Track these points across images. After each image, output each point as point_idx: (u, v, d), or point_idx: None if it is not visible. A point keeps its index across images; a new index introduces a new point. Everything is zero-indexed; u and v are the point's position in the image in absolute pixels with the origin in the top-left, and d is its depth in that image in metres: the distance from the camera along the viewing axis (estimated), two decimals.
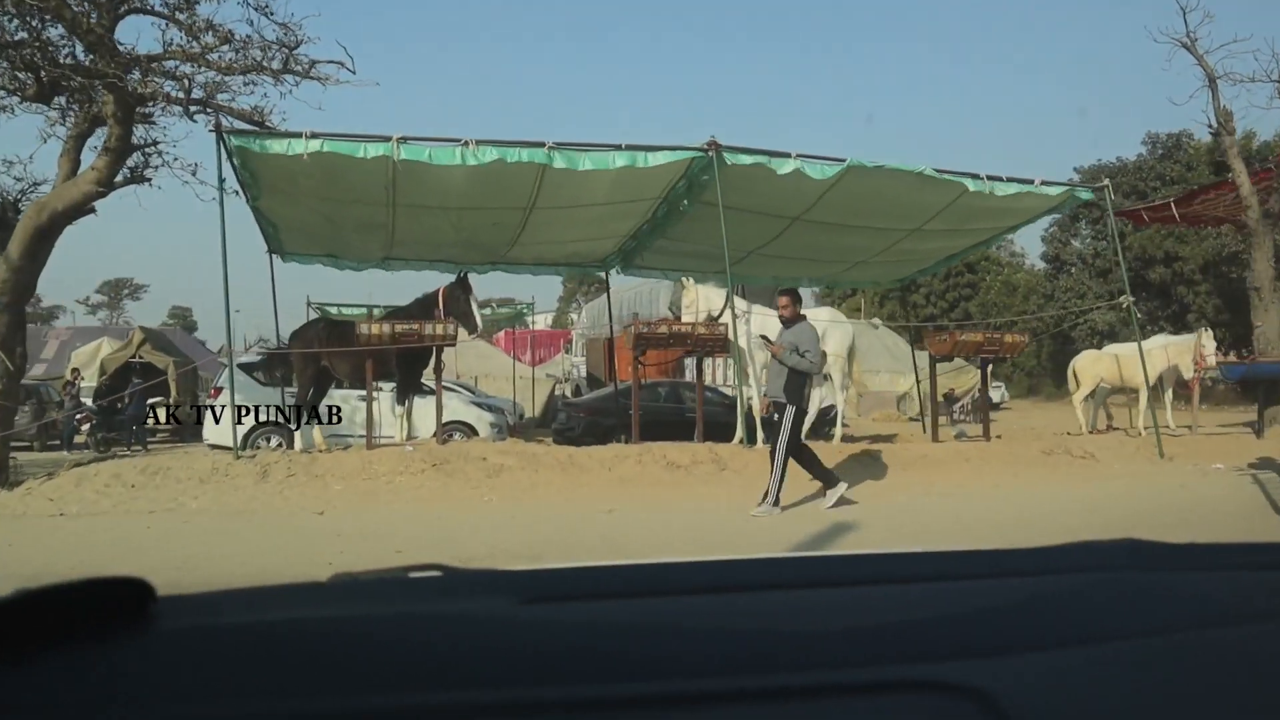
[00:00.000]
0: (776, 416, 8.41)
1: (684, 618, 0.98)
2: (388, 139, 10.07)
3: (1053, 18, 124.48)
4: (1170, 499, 9.17)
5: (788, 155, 11.04)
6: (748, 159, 11.03)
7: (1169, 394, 15.53)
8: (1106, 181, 12.47)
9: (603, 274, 16.95)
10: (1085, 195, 12.52)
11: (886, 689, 0.82)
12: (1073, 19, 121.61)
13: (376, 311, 17.04)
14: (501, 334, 33.39)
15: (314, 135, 9.95)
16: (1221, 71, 15.24)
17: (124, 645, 0.83)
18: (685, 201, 12.15)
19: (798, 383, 8.32)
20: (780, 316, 8.79)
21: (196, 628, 0.91)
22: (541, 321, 54.76)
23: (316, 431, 11.87)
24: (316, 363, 11.88)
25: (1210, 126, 15.38)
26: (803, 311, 9.08)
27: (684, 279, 12.51)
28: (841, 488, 8.44)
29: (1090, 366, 15.21)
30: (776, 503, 8.15)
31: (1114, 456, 11.78)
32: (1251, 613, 1.04)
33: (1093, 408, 15.72)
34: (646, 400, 15.25)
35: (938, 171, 11.43)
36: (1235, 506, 8.68)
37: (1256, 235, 15.12)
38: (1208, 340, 14.93)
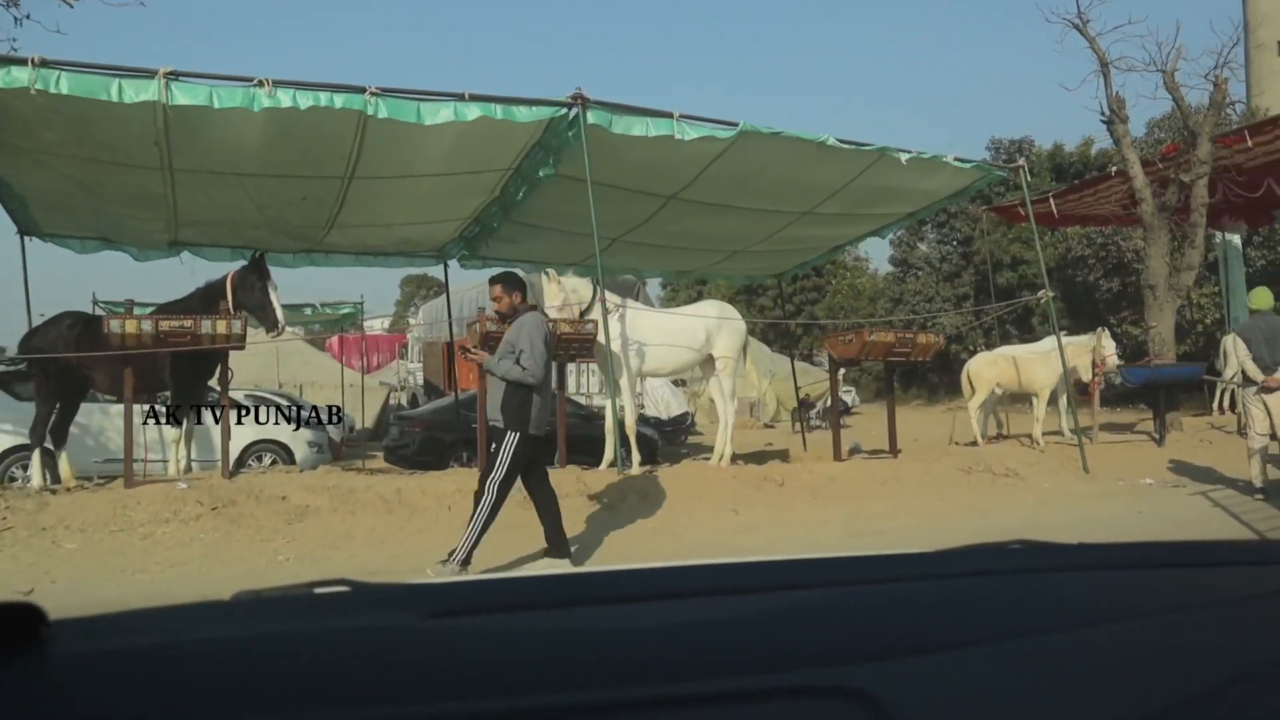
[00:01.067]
0: (494, 445, 6.19)
1: (584, 629, 0.98)
2: (153, 73, 7.53)
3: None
4: (1137, 525, 7.71)
5: (669, 115, 9.07)
6: (623, 121, 9.00)
7: (1063, 400, 14.39)
8: (1022, 161, 11.02)
9: (441, 266, 14.52)
10: (999, 174, 11.07)
11: (773, 695, 0.82)
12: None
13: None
14: (336, 339, 30.28)
15: (46, 63, 7.33)
16: (1114, 56, 14.21)
17: (15, 671, 0.80)
18: (542, 172, 10.02)
19: (517, 400, 6.09)
20: (496, 311, 6.63)
21: (92, 651, 0.88)
22: (378, 327, 51.56)
23: (63, 461, 9.11)
24: (62, 372, 9.12)
25: (1102, 114, 14.35)
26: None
27: (547, 271, 10.35)
28: (560, 564, 6.19)
29: (986, 370, 13.86)
30: (466, 561, 5.89)
31: (1038, 473, 10.33)
32: (1130, 610, 1.05)
33: (984, 415, 14.43)
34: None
35: (842, 142, 9.69)
36: (1211, 533, 7.23)
37: (1152, 230, 14.14)
38: (1107, 341, 13.83)
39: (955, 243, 45.08)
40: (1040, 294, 11.90)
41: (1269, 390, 9.16)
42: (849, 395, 37.36)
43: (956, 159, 10.43)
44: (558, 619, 1.03)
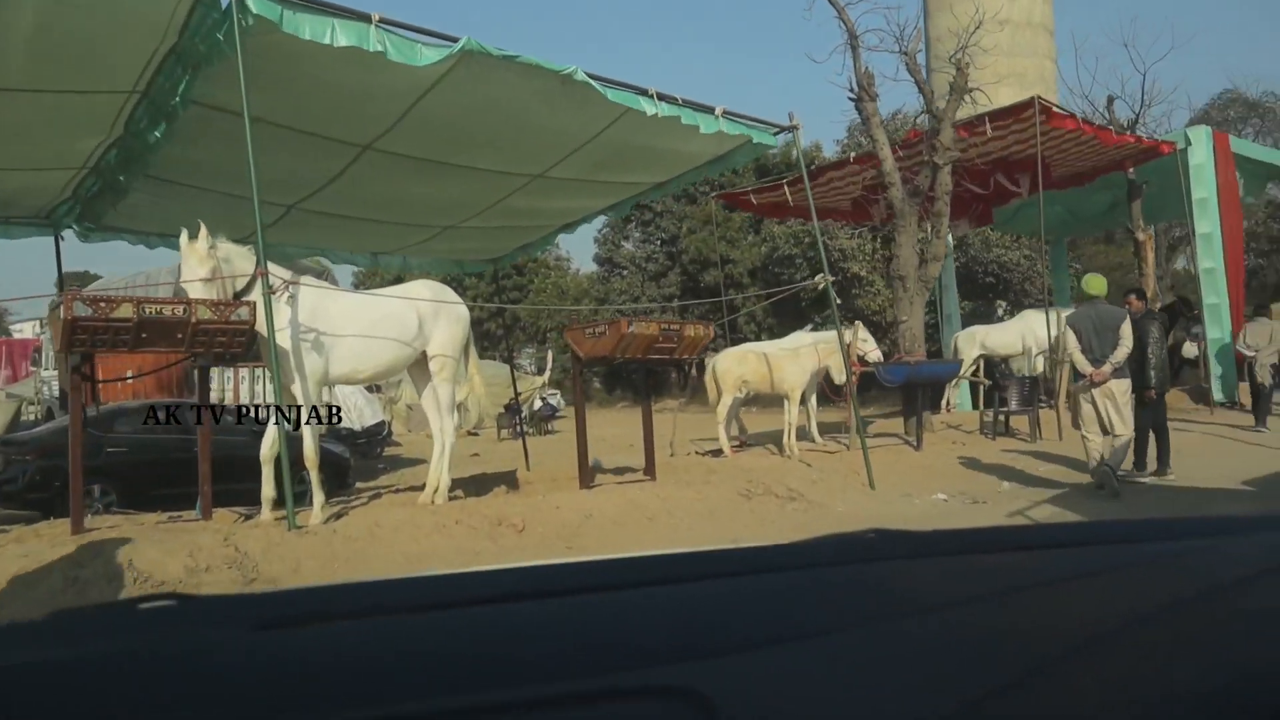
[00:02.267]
0: None
1: (407, 636, 0.94)
2: None
3: None
4: None
5: (367, 18, 6.47)
6: (298, 20, 6.28)
7: (813, 400, 13.08)
8: (798, 122, 9.34)
9: (53, 238, 10.78)
10: (769, 141, 9.29)
11: (602, 698, 0.80)
12: None
13: None
14: None
15: None
16: (863, 29, 13.09)
17: None
18: (178, 99, 7.08)
19: None
20: None
21: None
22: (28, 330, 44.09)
23: None
24: None
25: (850, 90, 13.17)
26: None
27: (192, 232, 7.28)
28: None
29: (735, 368, 12.24)
30: None
31: (825, 493, 8.65)
32: (968, 595, 1.03)
33: (730, 420, 12.87)
34: (131, 433, 9.84)
35: (594, 79, 7.50)
36: None
37: (902, 217, 13.14)
38: (865, 335, 12.64)
39: (660, 241, 44.61)
40: (818, 278, 10.32)
41: (1095, 384, 8.29)
42: (554, 398, 35.78)
43: (726, 113, 8.55)
44: (385, 627, 0.97)
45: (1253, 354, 13.83)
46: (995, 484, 9.39)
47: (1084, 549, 1.28)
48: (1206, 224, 17.29)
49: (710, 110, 8.44)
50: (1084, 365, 8.42)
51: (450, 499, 7.75)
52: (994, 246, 28.59)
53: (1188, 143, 17.06)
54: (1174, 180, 17.65)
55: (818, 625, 0.95)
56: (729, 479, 8.78)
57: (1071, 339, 8.57)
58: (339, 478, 10.96)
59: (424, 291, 8.15)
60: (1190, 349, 18.87)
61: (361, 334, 7.49)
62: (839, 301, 15.10)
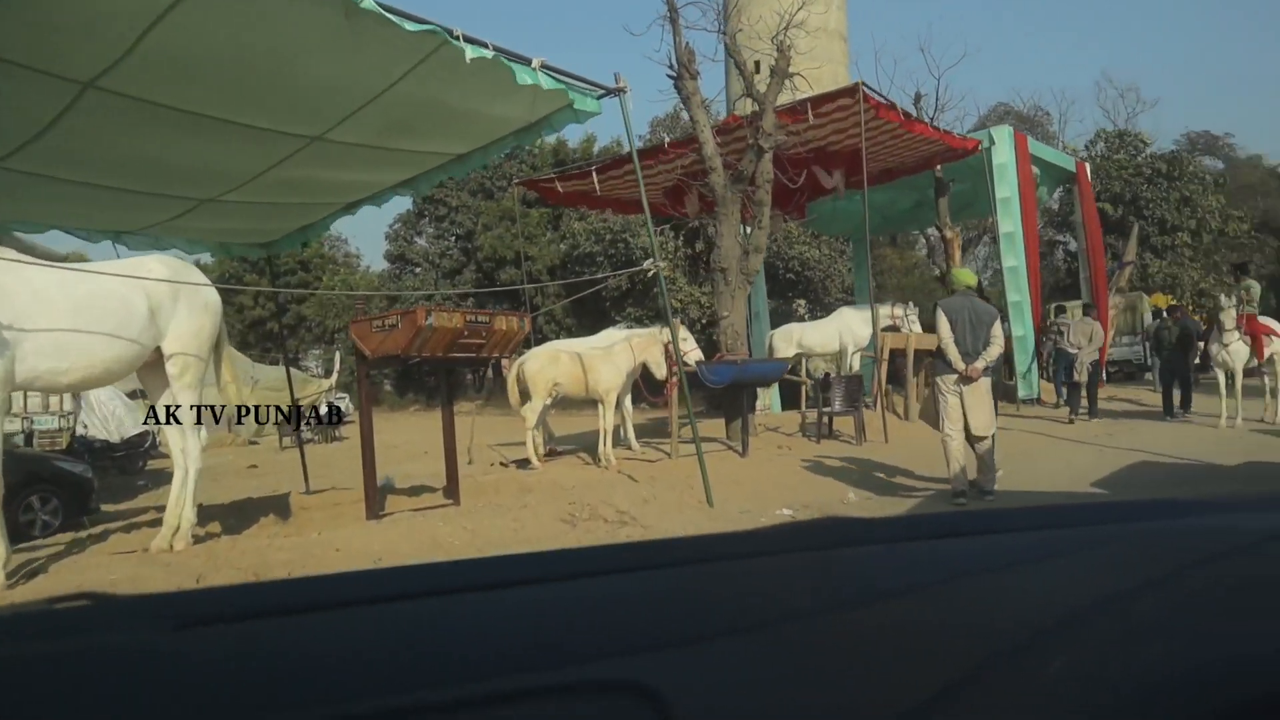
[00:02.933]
0: None
1: (339, 633, 0.91)
2: None
3: None
4: None
5: None
6: None
7: (628, 403, 11.96)
8: (625, 84, 8.07)
9: None
10: (591, 106, 7.96)
11: (547, 694, 0.77)
12: None
13: None
14: None
15: None
16: (683, 1, 12.02)
17: None
18: None
19: None
20: None
21: None
22: None
23: None
24: None
25: (670, 68, 12.11)
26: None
27: None
28: None
29: (546, 370, 10.91)
30: None
31: (659, 514, 7.42)
32: (918, 583, 1.01)
33: (541, 427, 11.57)
34: None
35: (387, 9, 5.97)
36: None
37: (724, 205, 12.19)
38: (684, 333, 11.60)
39: (455, 237, 42.70)
40: (648, 263, 9.13)
41: (969, 380, 7.62)
42: (342, 401, 33.31)
43: (545, 67, 7.19)
44: (310, 624, 0.93)
45: (1075, 351, 14.24)
46: (841, 493, 8.53)
47: (1033, 533, 1.25)
48: (1009, 223, 17.42)
49: (527, 61, 7.07)
50: (957, 359, 7.70)
51: (194, 541, 6.00)
52: (796, 243, 28.50)
53: (991, 142, 17.13)
54: (977, 179, 17.75)
55: (770, 615, 0.92)
56: (547, 500, 7.44)
57: (945, 327, 7.79)
58: (79, 501, 9.17)
59: (159, 270, 6.31)
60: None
61: (64, 324, 5.61)
62: (634, 309, 14.02)
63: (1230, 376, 12.46)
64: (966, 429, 7.70)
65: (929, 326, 16.81)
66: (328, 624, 0.93)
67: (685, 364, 10.92)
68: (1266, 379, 13.57)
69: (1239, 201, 33.67)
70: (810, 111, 12.93)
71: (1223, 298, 12.94)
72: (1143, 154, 30.72)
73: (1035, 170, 18.55)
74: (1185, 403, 14.29)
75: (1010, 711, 0.81)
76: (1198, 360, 14.74)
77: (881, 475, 9.41)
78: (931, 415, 7.96)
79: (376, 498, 6.92)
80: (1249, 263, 18.41)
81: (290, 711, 0.74)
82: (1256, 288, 13.20)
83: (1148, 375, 21.48)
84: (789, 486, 8.98)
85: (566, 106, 7.97)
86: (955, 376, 7.66)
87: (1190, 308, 26.65)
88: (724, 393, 11.93)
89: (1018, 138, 17.81)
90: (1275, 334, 13.15)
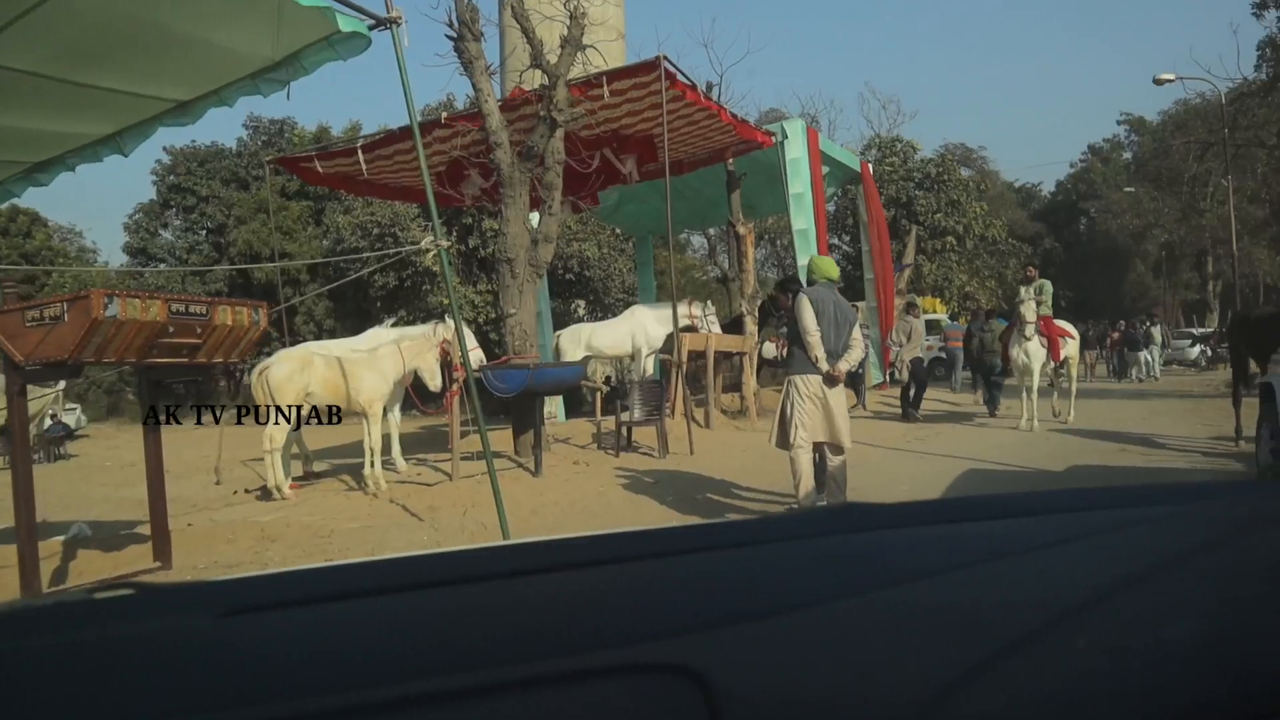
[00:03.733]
0: None
1: (390, 618, 0.91)
2: None
3: None
4: None
5: None
6: None
7: (396, 413, 10.21)
8: (399, 13, 6.28)
9: None
10: (357, 27, 6.15)
11: (593, 676, 0.79)
12: None
13: None
14: None
15: None
16: None
17: None
18: None
19: None
20: None
21: None
22: None
23: None
24: None
25: (450, 27, 10.43)
26: None
27: None
28: None
29: (296, 377, 9.00)
30: None
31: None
32: (950, 564, 1.02)
33: (289, 447, 9.68)
34: None
35: None
36: None
37: (511, 186, 10.64)
38: (465, 333, 10.02)
39: (206, 231, 38.86)
40: (427, 240, 7.46)
41: (834, 382, 6.59)
42: (71, 415, 29.21)
43: None
44: (361, 609, 0.92)
45: (897, 348, 14.54)
46: (663, 517, 7.22)
47: (1058, 516, 1.25)
48: (803, 219, 16.84)
49: None
50: (823, 357, 6.55)
51: None
52: (574, 240, 27.20)
53: (785, 135, 16.47)
54: (768, 174, 17.07)
55: (808, 597, 0.92)
56: (296, 554, 5.67)
57: (811, 318, 6.56)
58: None
59: None
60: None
61: None
62: (404, 310, 12.34)
63: (1030, 378, 12.20)
64: (829, 438, 6.62)
65: (731, 327, 16.03)
66: (371, 609, 0.92)
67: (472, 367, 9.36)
68: (1060, 380, 13.51)
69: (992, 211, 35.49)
70: (606, 87, 11.61)
71: (1023, 290, 12.64)
72: (913, 159, 31.63)
73: (825, 168, 18.15)
74: (991, 402, 14.64)
75: (1045, 685, 0.82)
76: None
77: (699, 493, 8.19)
78: (784, 428, 6.75)
79: (35, 568, 4.84)
80: (1034, 264, 18.69)
81: (339, 696, 0.74)
82: (1049, 287, 13.02)
83: (938, 373, 21.79)
84: (597, 512, 7.61)
85: (322, 41, 6.25)
86: (819, 378, 6.53)
87: (958, 311, 27.52)
88: (512, 401, 10.39)
89: (810, 133, 17.30)
90: (1070, 336, 13.07)
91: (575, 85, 11.35)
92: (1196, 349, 28.41)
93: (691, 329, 14.13)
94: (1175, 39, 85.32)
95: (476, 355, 10.04)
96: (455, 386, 9.48)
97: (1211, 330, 32.04)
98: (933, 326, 27.16)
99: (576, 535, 1.16)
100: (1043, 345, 12.20)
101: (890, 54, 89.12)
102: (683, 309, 14.32)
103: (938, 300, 28.13)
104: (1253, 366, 10.09)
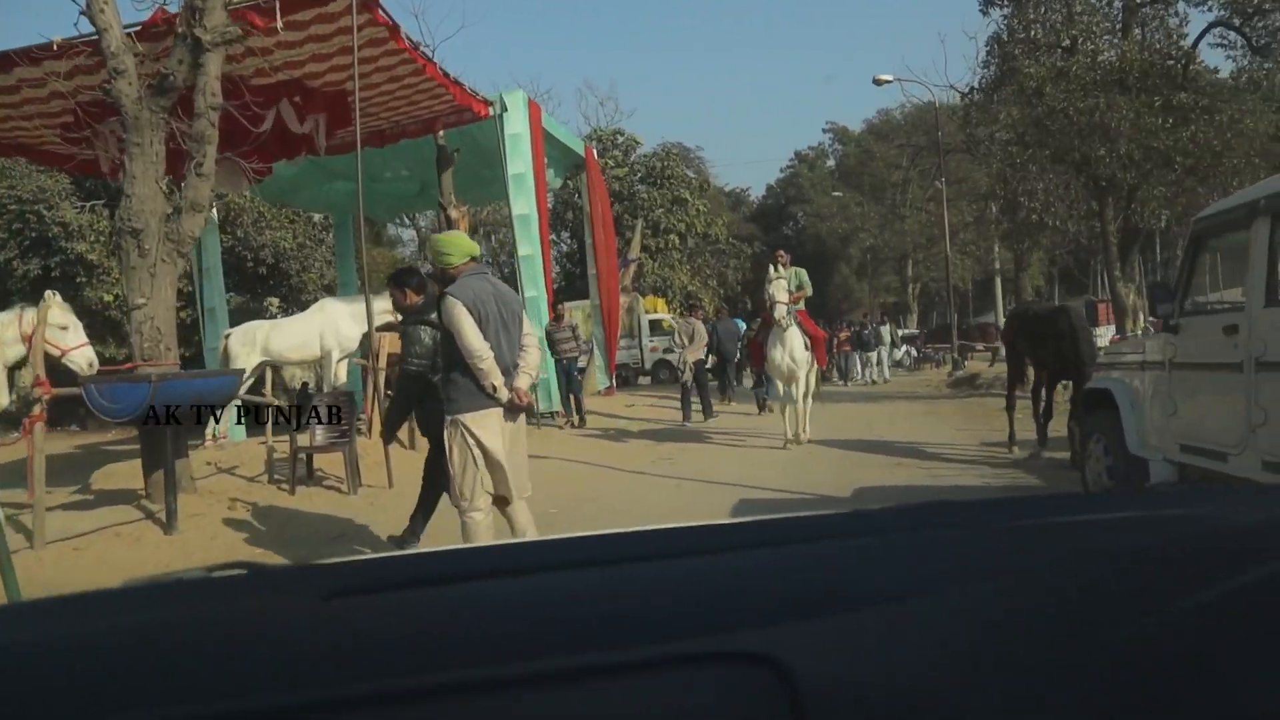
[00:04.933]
0: None
1: (481, 603, 0.94)
2: None
3: None
4: None
5: None
6: None
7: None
8: None
9: None
10: None
11: (676, 663, 0.79)
12: None
13: None
14: None
15: None
16: None
17: None
18: None
19: None
20: None
21: None
22: None
23: None
24: None
25: None
26: None
27: None
28: None
29: None
30: None
31: None
32: (1033, 562, 1.02)
33: None
34: None
35: None
36: None
37: (138, 130, 7.79)
38: (68, 322, 7.18)
39: None
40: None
41: (515, 411, 4.82)
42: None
43: None
44: (454, 594, 0.96)
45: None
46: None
47: (1134, 515, 1.25)
48: (524, 204, 14.80)
49: None
50: (500, 385, 4.58)
51: None
52: (268, 228, 23.68)
53: (504, 108, 14.35)
54: (483, 158, 14.94)
55: (890, 590, 0.92)
56: None
57: (472, 329, 4.56)
58: None
59: None
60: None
61: None
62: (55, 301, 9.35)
63: (795, 386, 10.69)
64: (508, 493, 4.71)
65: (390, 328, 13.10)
66: (470, 593, 0.95)
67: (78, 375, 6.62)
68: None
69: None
70: (280, 16, 9.00)
71: (772, 269, 10.80)
72: (635, 154, 30.60)
73: (547, 150, 16.24)
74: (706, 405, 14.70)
75: (1123, 685, 0.82)
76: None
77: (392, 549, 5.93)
78: (458, 478, 4.70)
79: None
80: (782, 249, 17.65)
81: (434, 675, 0.76)
82: (805, 274, 11.51)
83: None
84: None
85: None
86: (498, 411, 4.63)
87: (678, 311, 26.65)
88: (141, 426, 7.59)
89: (532, 106, 15.24)
90: (818, 334, 11.75)
91: (239, 9, 8.69)
92: (903, 349, 29.26)
93: (392, 327, 11.61)
94: (889, 47, 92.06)
95: (85, 354, 7.24)
96: (39, 409, 6.60)
97: (916, 332, 33.33)
98: (656, 327, 26.25)
99: (673, 525, 1.14)
100: (806, 346, 10.67)
101: (608, 49, 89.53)
102: (382, 303, 11.64)
103: (660, 300, 27.16)
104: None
